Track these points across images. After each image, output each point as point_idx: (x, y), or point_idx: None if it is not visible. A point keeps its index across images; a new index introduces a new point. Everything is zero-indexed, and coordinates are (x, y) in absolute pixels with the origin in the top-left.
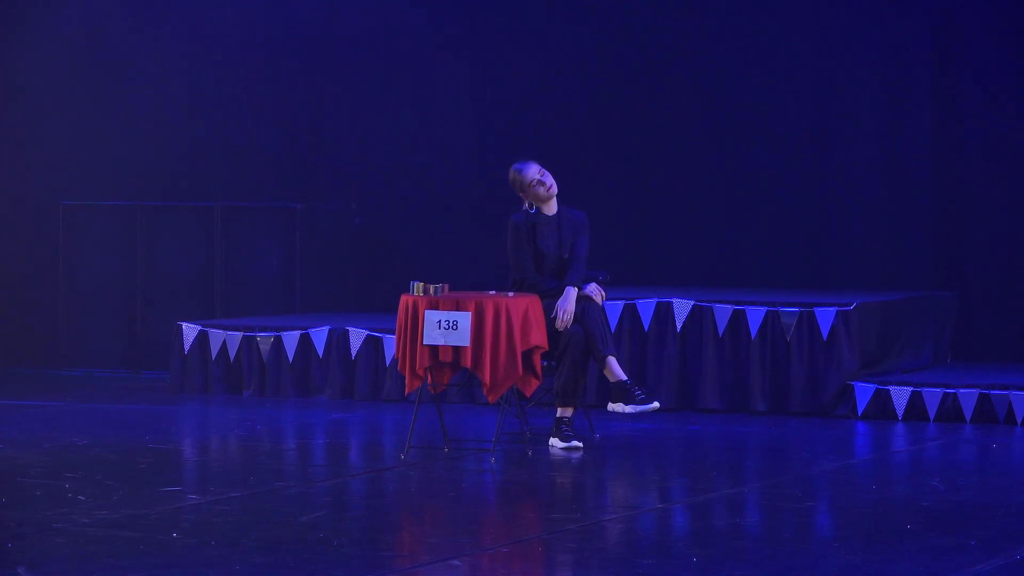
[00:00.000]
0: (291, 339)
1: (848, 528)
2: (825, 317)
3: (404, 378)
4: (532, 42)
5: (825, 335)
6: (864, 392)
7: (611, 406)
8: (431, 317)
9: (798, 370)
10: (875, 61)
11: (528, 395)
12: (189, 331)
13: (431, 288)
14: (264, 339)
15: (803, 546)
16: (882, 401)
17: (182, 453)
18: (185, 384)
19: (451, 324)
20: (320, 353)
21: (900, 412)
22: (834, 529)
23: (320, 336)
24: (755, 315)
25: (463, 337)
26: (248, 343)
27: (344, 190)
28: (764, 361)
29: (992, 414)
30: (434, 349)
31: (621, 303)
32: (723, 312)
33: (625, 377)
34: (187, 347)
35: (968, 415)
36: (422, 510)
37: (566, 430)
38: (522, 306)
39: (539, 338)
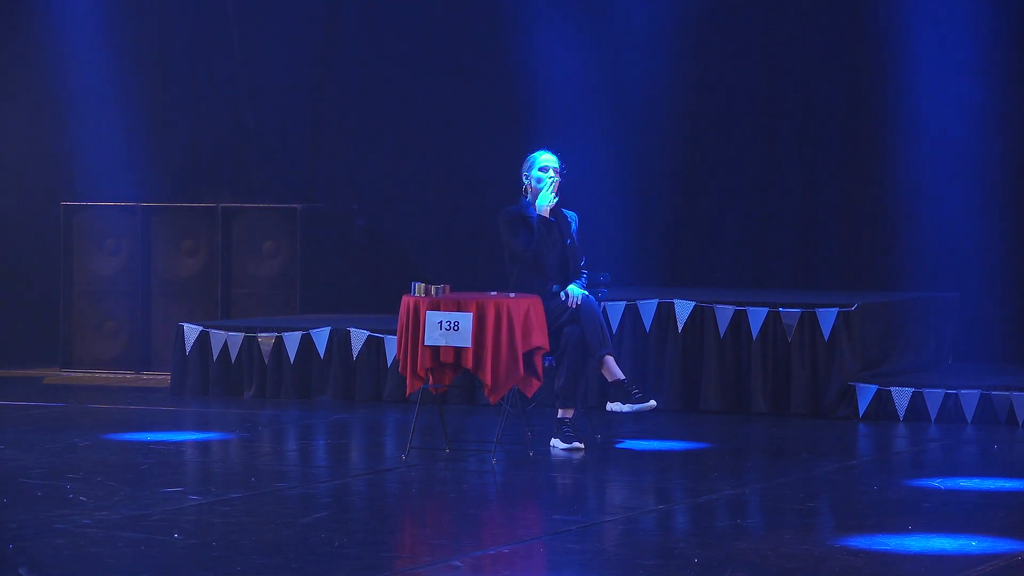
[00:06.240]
0: (292, 340)
1: (849, 529)
2: (826, 318)
3: (405, 379)
4: (533, 42)
5: (827, 336)
6: (865, 393)
7: (609, 405)
8: (432, 318)
9: (799, 371)
10: (876, 60)
11: (529, 396)
12: (190, 332)
13: (432, 289)
14: (265, 340)
15: (804, 547)
16: (883, 402)
17: (183, 454)
18: (186, 385)
19: (452, 325)
20: (321, 354)
21: (901, 413)
22: (835, 530)
23: (321, 337)
24: (756, 316)
25: (464, 338)
26: (249, 344)
27: (345, 190)
28: (765, 362)
29: (993, 415)
30: (435, 350)
31: (623, 304)
32: (724, 313)
33: (622, 376)
34: (188, 348)
35: (969, 416)
36: (423, 511)
37: (567, 431)
38: (523, 307)
39: (540, 339)
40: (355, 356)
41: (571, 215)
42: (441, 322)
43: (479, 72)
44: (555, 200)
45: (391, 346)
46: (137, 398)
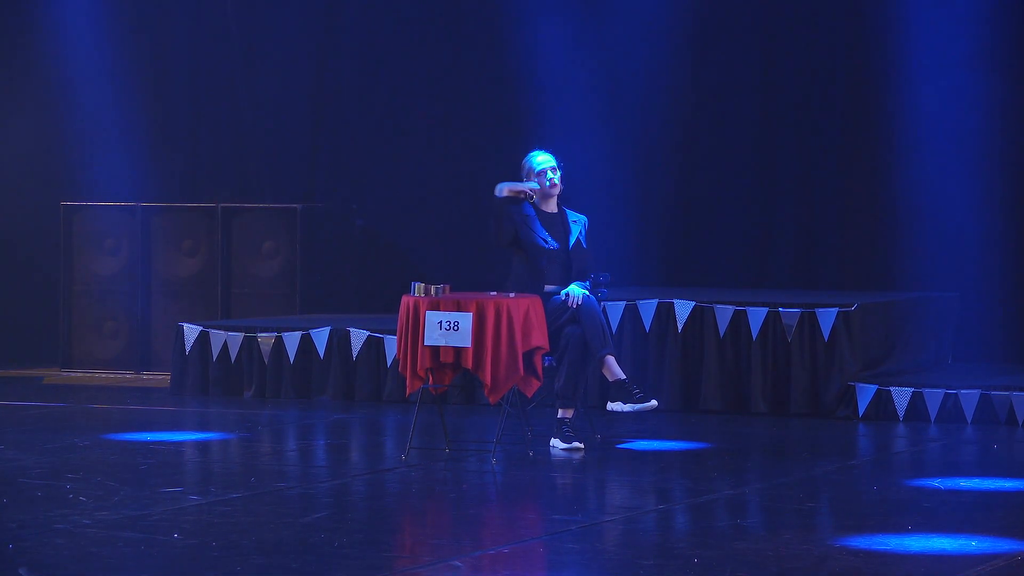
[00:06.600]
0: (292, 340)
1: (849, 529)
2: (826, 318)
3: (405, 379)
4: (533, 42)
5: (826, 336)
6: (865, 393)
7: (610, 405)
8: (432, 318)
9: (799, 371)
10: (876, 58)
11: (529, 396)
12: (190, 332)
13: (432, 289)
14: (265, 340)
15: (804, 547)
16: (883, 402)
17: (183, 454)
18: (186, 385)
19: (452, 325)
20: (321, 354)
21: (901, 413)
22: (835, 530)
23: (321, 337)
24: (756, 316)
25: (464, 338)
26: (249, 344)
27: (345, 190)
28: (765, 362)
29: (993, 415)
30: (435, 350)
31: (622, 304)
32: (724, 313)
33: (623, 376)
34: (188, 348)
35: (969, 416)
36: (423, 511)
37: (567, 431)
38: (523, 307)
39: (540, 339)
40: (355, 356)
41: (581, 218)
42: (441, 322)
43: (479, 72)
44: (538, 194)
45: (391, 346)
46: (137, 398)
